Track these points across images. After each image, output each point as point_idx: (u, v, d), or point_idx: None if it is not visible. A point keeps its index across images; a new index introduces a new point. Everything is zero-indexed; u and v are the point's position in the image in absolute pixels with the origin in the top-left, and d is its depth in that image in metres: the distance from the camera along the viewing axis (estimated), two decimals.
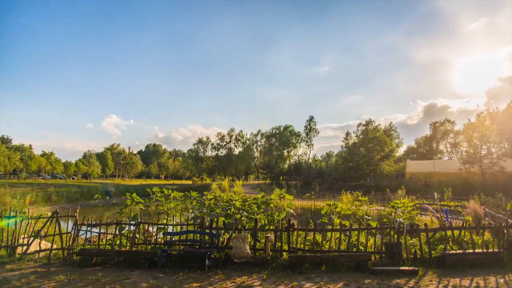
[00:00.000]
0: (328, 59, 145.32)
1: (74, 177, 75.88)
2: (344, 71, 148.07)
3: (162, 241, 7.94)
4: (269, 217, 8.27)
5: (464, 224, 8.20)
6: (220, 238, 7.70)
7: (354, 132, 60.99)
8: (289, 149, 77.43)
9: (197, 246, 7.45)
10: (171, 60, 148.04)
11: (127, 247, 7.68)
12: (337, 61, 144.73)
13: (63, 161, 75.36)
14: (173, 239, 7.61)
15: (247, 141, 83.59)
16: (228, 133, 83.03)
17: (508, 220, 7.69)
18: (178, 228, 8.06)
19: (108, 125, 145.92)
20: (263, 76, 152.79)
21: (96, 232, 8.14)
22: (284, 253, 7.42)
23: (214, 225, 7.78)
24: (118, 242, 7.75)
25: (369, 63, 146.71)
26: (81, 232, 7.92)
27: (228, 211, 8.19)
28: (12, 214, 7.87)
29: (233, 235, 7.33)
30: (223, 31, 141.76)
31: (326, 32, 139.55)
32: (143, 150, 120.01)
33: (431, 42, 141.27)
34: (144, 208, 8.57)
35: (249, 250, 6.81)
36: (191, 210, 8.98)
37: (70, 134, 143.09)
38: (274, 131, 78.95)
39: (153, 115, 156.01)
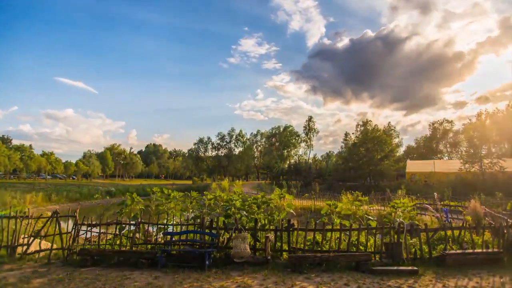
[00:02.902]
0: None
1: (74, 177, 75.97)
2: None
3: (162, 241, 7.94)
4: (269, 217, 8.27)
5: (464, 224, 8.20)
6: (220, 238, 7.70)
7: (353, 133, 61.02)
8: (289, 149, 77.55)
9: (197, 246, 7.45)
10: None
11: (127, 247, 7.67)
12: None
13: (63, 161, 75.56)
14: (173, 239, 7.61)
15: (247, 141, 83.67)
16: (229, 133, 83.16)
17: (508, 220, 7.69)
18: (178, 228, 8.06)
19: None
20: None
21: (96, 232, 8.14)
22: (284, 253, 7.42)
23: (214, 225, 7.78)
24: (118, 242, 7.75)
25: None
26: (81, 232, 7.92)
27: (228, 211, 8.19)
28: (12, 214, 7.87)
29: (233, 235, 7.33)
30: None
31: None
32: (143, 150, 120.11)
33: None
34: (144, 208, 8.58)
35: (249, 250, 6.81)
36: (191, 210, 8.98)
37: None
38: (274, 131, 79.17)
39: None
